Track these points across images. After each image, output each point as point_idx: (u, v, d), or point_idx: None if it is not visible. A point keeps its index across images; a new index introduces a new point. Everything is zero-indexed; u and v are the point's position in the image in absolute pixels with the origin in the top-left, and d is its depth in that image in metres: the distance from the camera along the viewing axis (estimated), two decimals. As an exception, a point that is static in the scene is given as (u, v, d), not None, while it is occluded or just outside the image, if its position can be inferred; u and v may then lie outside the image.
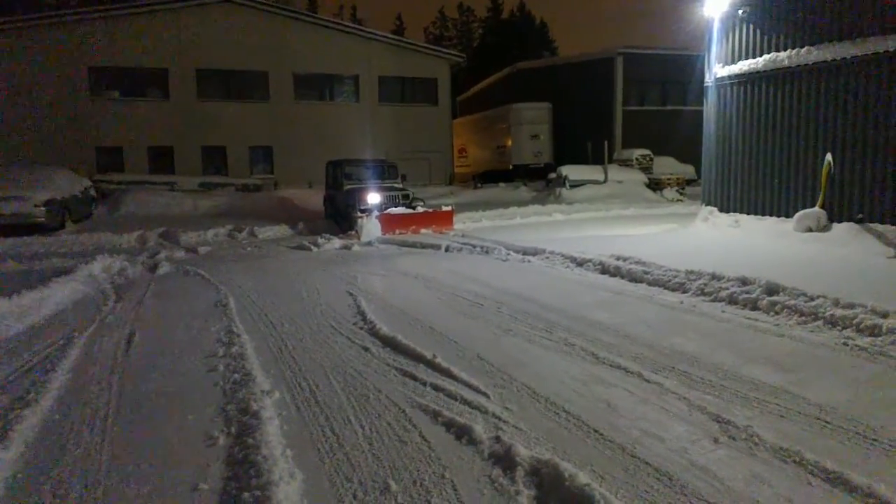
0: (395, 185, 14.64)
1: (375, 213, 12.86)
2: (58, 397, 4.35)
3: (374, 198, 13.52)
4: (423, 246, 11.38)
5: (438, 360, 4.75)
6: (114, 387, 4.56)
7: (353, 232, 12.77)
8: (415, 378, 4.48)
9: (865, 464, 3.17)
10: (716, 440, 3.49)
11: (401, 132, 24.26)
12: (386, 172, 15.07)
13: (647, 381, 4.38)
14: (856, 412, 3.76)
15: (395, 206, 13.62)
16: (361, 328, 5.84)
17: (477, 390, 4.23)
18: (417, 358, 4.87)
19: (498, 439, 3.47)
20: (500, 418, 3.79)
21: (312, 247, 11.22)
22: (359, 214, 12.65)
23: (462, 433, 3.58)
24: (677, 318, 6.04)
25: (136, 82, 22.53)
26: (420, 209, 13.90)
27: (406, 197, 14.19)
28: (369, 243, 11.93)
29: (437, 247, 11.07)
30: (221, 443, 3.59)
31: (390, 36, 26.57)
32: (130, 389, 4.49)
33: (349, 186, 14.23)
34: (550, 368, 4.68)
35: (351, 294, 7.28)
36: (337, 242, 11.54)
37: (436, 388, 4.28)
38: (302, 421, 3.87)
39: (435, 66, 25.94)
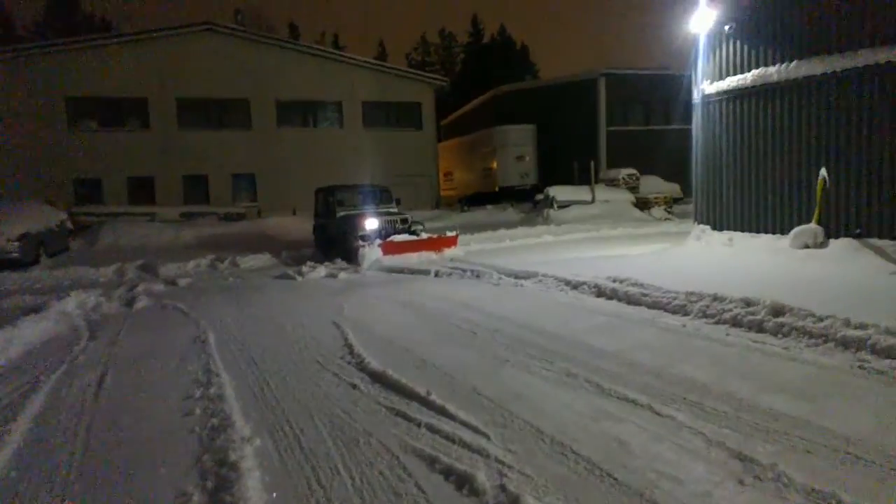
0: (392, 210, 13.96)
1: (378, 240, 12.27)
2: (15, 452, 3.96)
3: (371, 223, 12.87)
4: (413, 272, 11.07)
5: (433, 396, 4.41)
6: (79, 437, 4.17)
7: (355, 261, 12.06)
8: (408, 418, 4.14)
9: (910, 506, 2.88)
10: (741, 481, 3.18)
11: (386, 157, 24.08)
12: (380, 197, 14.40)
13: (659, 414, 4.07)
14: (886, 444, 3.48)
15: (394, 232, 12.97)
16: (349, 363, 5.49)
17: (476, 430, 3.89)
18: (410, 395, 4.53)
19: (503, 488, 3.15)
20: (503, 463, 3.46)
21: (297, 276, 10.86)
22: (361, 243, 12.06)
23: (463, 482, 3.24)
24: (681, 343, 5.76)
25: (115, 112, 22.22)
26: (424, 235, 13.30)
27: (405, 222, 13.52)
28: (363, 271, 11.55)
29: (427, 272, 10.76)
30: (196, 500, 3.22)
31: (373, 61, 26.58)
32: (97, 440, 4.11)
33: (343, 213, 13.54)
34: (553, 402, 4.36)
35: (337, 325, 6.93)
36: (322, 271, 11.19)
37: (431, 428, 3.94)
38: (286, 472, 3.51)
39: (418, 91, 25.91)
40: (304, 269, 11.19)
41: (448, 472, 3.35)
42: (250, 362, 5.75)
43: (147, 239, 16.48)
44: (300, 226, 17.84)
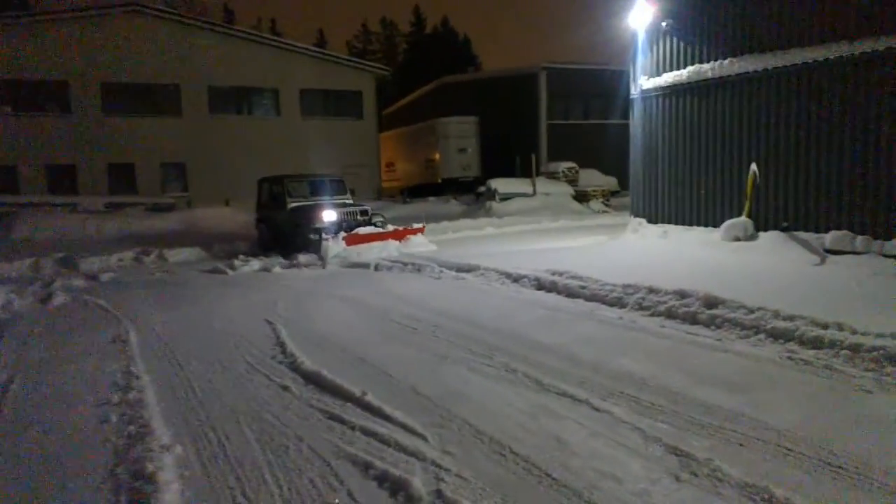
0: (348, 202, 13.12)
1: (342, 233, 11.47)
2: None
3: (329, 215, 11.99)
4: (351, 265, 10.81)
5: (369, 397, 4.24)
6: (-25, 452, 3.78)
7: (314, 256, 11.32)
8: (342, 421, 3.95)
9: (838, 499, 2.92)
10: (677, 478, 3.17)
11: (325, 147, 23.48)
12: (333, 188, 13.45)
13: (597, 409, 4.05)
14: (815, 435, 3.55)
15: (354, 224, 12.15)
16: (281, 363, 5.24)
17: (413, 432, 3.75)
18: (345, 396, 4.35)
19: (440, 494, 3.02)
20: (440, 466, 3.33)
21: (228, 270, 10.40)
22: (324, 236, 11.24)
23: (397, 489, 3.09)
24: (619, 336, 5.79)
25: (33, 96, 20.75)
26: (390, 227, 12.52)
27: (365, 213, 12.66)
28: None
29: (366, 266, 10.53)
30: (106, 519, 2.95)
31: (312, 48, 25.87)
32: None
33: (294, 204, 12.54)
34: (493, 400, 4.27)
35: (270, 323, 6.63)
36: (256, 264, 10.75)
37: (366, 432, 3.77)
38: (208, 483, 3.27)
39: (359, 79, 25.41)
40: (237, 262, 10.73)
41: (382, 479, 3.20)
42: (175, 364, 5.41)
43: (67, 231, 15.48)
44: (234, 217, 17.20)
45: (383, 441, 3.63)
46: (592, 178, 22.65)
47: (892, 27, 7.61)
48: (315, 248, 11.46)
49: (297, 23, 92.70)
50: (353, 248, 11.33)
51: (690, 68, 10.19)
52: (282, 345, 5.72)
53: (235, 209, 18.11)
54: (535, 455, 3.44)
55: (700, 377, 4.58)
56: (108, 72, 21.21)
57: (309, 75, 24.08)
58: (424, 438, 3.66)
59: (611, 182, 22.70)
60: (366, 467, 3.33)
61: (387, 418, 3.95)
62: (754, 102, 9.34)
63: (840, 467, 3.20)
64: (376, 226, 12.50)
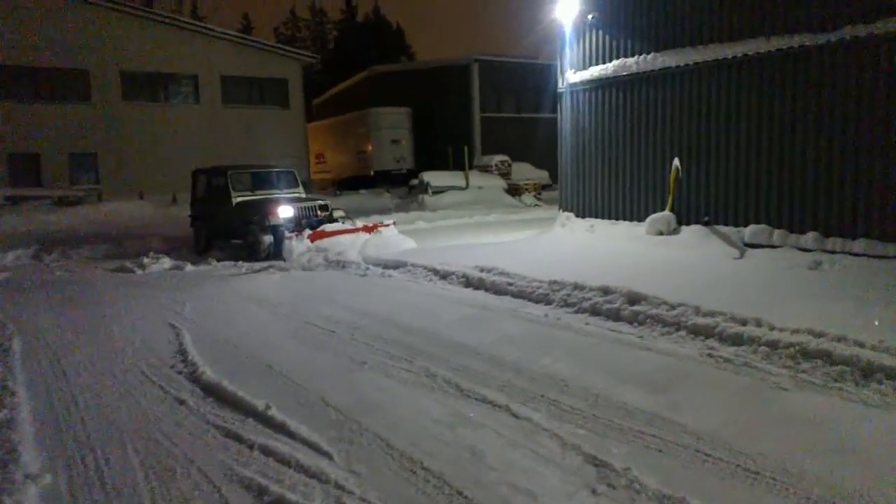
0: (303, 195, 12.00)
1: (307, 230, 10.24)
2: None
3: (286, 211, 10.58)
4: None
5: (272, 411, 3.89)
6: None
7: (262, 256, 10.26)
8: (240, 439, 3.59)
9: (756, 507, 2.83)
10: (594, 491, 3.01)
11: (249, 136, 22.55)
12: (283, 180, 12.06)
13: (517, 416, 3.86)
14: (733, 439, 3.47)
15: (312, 220, 10.89)
16: (180, 373, 4.80)
17: (318, 450, 3.44)
18: (246, 410, 3.98)
19: (339, 523, 2.73)
20: (343, 488, 3.04)
21: (136, 269, 9.67)
22: (287, 234, 10.04)
23: (293, 518, 2.78)
24: (543, 335, 5.66)
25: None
26: (359, 223, 11.19)
27: (325, 208, 11.26)
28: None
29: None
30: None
31: (233, 33, 24.71)
32: None
33: (241, 199, 11.13)
34: (409, 409, 4.01)
35: (174, 327, 6.12)
36: (167, 262, 10.05)
37: (266, 451, 3.43)
38: (75, 520, 2.86)
39: (285, 67, 24.50)
40: (146, 260, 9.98)
41: (277, 506, 2.88)
42: (60, 375, 4.87)
43: (-42, 226, 14.15)
44: (148, 212, 16.20)
45: (283, 461, 3.31)
46: (525, 172, 22.77)
47: (807, 24, 7.79)
48: (266, 249, 10.29)
49: (221, 7, 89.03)
50: (321, 244, 10.08)
51: (616, 62, 10.21)
52: (184, 352, 5.25)
53: (151, 203, 17.09)
54: (449, 470, 3.21)
55: (621, 377, 4.48)
56: (7, 54, 19.53)
57: (231, 62, 23.01)
58: (329, 457, 3.36)
59: (543, 176, 22.88)
60: (260, 493, 3.00)
61: (290, 434, 3.62)
62: (677, 97, 9.45)
63: (757, 473, 3.12)
64: (339, 222, 11.17)
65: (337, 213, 11.49)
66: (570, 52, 11.20)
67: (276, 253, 10.31)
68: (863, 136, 7.39)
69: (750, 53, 8.37)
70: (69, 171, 20.50)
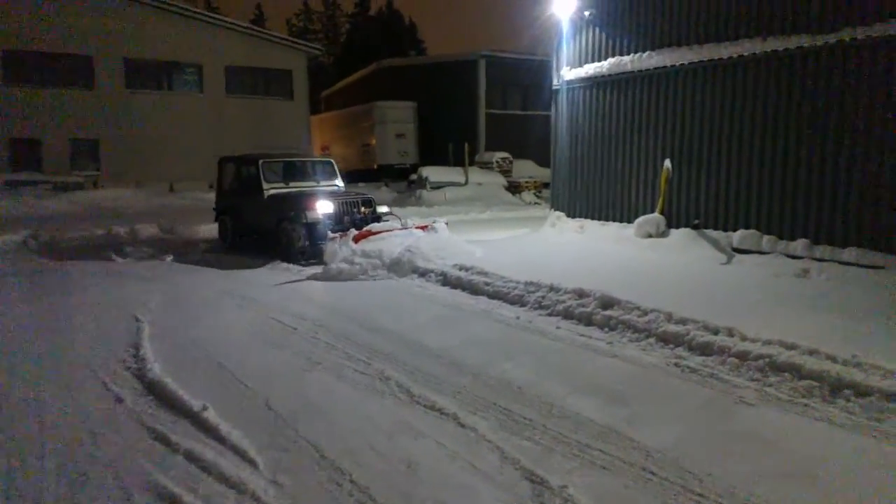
0: (343, 189, 10.83)
1: (352, 230, 8.77)
2: None
3: (324, 206, 9.31)
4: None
5: (208, 413, 3.75)
6: None
7: (299, 259, 9.17)
8: (167, 442, 3.45)
9: (689, 536, 2.65)
10: (525, 511, 2.83)
11: (252, 127, 22.45)
12: (321, 171, 10.91)
13: (463, 425, 3.69)
14: (685, 457, 3.29)
15: (356, 217, 9.55)
16: (128, 368, 4.67)
17: (244, 457, 3.29)
18: (183, 411, 3.84)
19: (244, 538, 2.58)
20: (259, 500, 2.89)
21: (117, 257, 9.56)
22: (330, 235, 8.67)
23: (197, 532, 2.64)
24: (511, 338, 5.49)
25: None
26: (410, 223, 9.37)
27: (368, 204, 9.90)
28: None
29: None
30: None
31: (239, 23, 24.57)
32: None
33: (274, 191, 9.97)
34: (353, 415, 3.85)
35: (138, 320, 6.00)
36: (147, 251, 9.90)
37: (190, 456, 3.29)
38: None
39: (290, 58, 24.37)
40: (128, 248, 9.85)
41: (185, 518, 2.73)
42: (4, 371, 4.74)
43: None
44: (143, 200, 16.13)
45: (205, 468, 3.16)
46: (526, 170, 22.50)
47: (805, 26, 7.53)
48: (308, 250, 9.17)
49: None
50: (367, 246, 8.47)
51: (611, 60, 9.98)
52: (138, 347, 5.12)
53: (147, 191, 17.02)
54: (378, 484, 3.05)
55: (581, 386, 4.30)
56: (10, 38, 19.56)
57: (236, 51, 22.92)
58: (255, 465, 3.21)
59: (545, 174, 22.56)
60: (170, 503, 2.85)
61: (220, 439, 3.48)
62: (671, 97, 9.21)
63: (701, 496, 2.94)
64: (380, 220, 9.70)
65: (381, 209, 10.08)
66: (566, 49, 10.98)
67: (312, 254, 9.16)
68: (857, 142, 7.13)
69: (745, 54, 8.12)
70: (70, 158, 20.52)
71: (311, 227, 9.16)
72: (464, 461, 3.28)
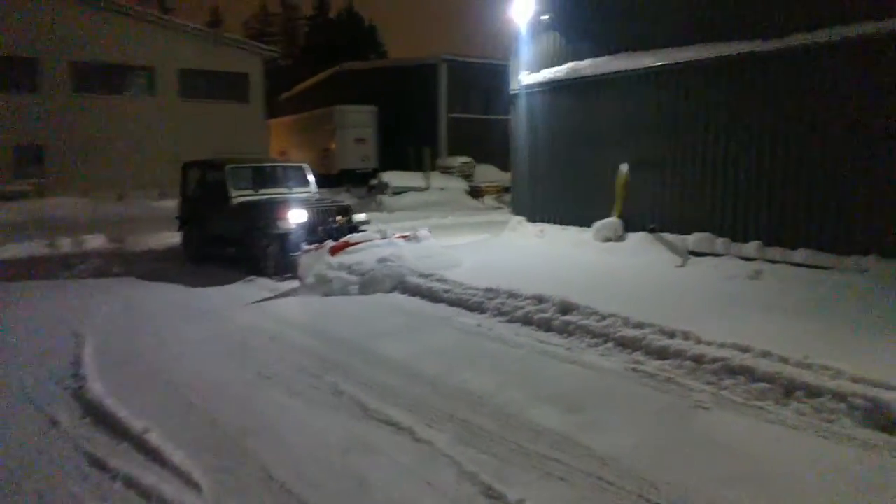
0: (317, 196, 10.18)
1: (328, 241, 8.04)
2: None
3: (298, 215, 8.67)
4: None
5: (151, 434, 3.56)
6: None
7: (272, 271, 8.53)
8: (104, 468, 3.26)
9: (646, 548, 2.61)
10: (481, 528, 2.75)
11: (207, 131, 21.86)
12: (292, 177, 10.16)
13: (419, 439, 3.59)
14: (640, 464, 3.27)
15: (331, 226, 8.83)
16: (66, 388, 4.42)
17: (188, 480, 3.13)
18: (123, 433, 3.64)
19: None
20: (202, 528, 2.74)
21: (61, 270, 9.14)
22: (305, 247, 7.91)
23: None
24: (471, 345, 5.42)
25: None
26: (394, 234, 8.62)
27: (345, 212, 9.30)
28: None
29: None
30: None
31: (192, 25, 23.96)
32: None
33: (242, 199, 9.28)
34: (304, 432, 3.71)
35: (80, 336, 5.71)
36: (96, 262, 9.49)
37: (129, 482, 3.11)
38: None
39: (246, 61, 23.87)
40: (74, 260, 9.42)
41: (119, 552, 2.56)
42: (-68, 393, 4.44)
43: None
44: (90, 210, 15.55)
45: (144, 494, 2.99)
46: (488, 174, 22.58)
47: (757, 32, 7.68)
48: (280, 263, 8.47)
49: (191, 0, 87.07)
50: (344, 259, 7.75)
51: (569, 65, 10.04)
52: (78, 363, 4.87)
53: (96, 200, 16.42)
54: (327, 504, 2.93)
55: (540, 394, 4.26)
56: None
57: (189, 54, 22.32)
58: (198, 488, 3.05)
59: (506, 178, 22.66)
60: (104, 536, 2.68)
61: (163, 462, 3.30)
62: (627, 103, 9.31)
63: (658, 504, 2.91)
64: (363, 229, 9.00)
65: (358, 217, 9.43)
66: (524, 54, 11.02)
67: (284, 267, 8.45)
68: (805, 145, 7.31)
69: (699, 59, 8.26)
70: (13, 165, 19.60)
71: (283, 237, 8.53)
72: (419, 478, 3.19)
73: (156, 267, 9.73)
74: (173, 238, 12.55)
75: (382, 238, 8.46)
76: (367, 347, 5.37)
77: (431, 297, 7.10)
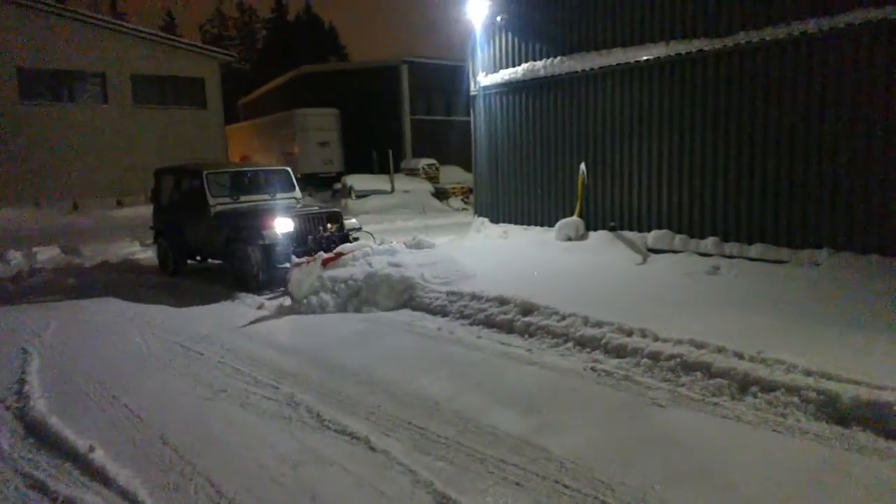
0: (302, 203, 9.63)
1: (320, 253, 7.28)
2: None
3: (284, 224, 8.02)
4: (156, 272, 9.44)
5: (95, 454, 3.42)
6: None
7: (258, 287, 7.95)
8: (45, 490, 3.13)
9: (600, 551, 2.59)
10: (434, 539, 2.70)
11: (164, 138, 21.36)
12: (276, 183, 9.52)
13: (374, 449, 3.53)
14: (597, 465, 3.26)
15: (321, 236, 8.20)
16: (9, 407, 4.23)
17: (133, 500, 3.01)
18: (67, 453, 3.50)
19: None
20: (145, 551, 2.62)
21: (9, 284, 8.80)
22: (295, 260, 7.00)
23: None
24: (431, 350, 5.37)
25: None
26: (396, 243, 7.88)
27: (335, 219, 8.66)
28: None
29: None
30: None
31: (145, 29, 23.34)
32: None
33: (222, 208, 8.71)
34: (256, 446, 3.61)
35: (26, 352, 5.48)
36: (47, 276, 9.17)
37: (69, 505, 2.97)
38: None
39: (202, 65, 23.37)
40: (24, 273, 9.09)
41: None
42: None
43: None
44: (44, 220, 15.05)
45: (85, 518, 2.86)
46: (453, 175, 22.56)
47: (704, 30, 7.82)
48: (265, 277, 7.95)
49: (143, 3, 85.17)
50: (337, 273, 7.07)
51: (525, 65, 10.08)
52: (23, 381, 4.67)
53: (49, 211, 15.88)
54: (278, 520, 2.84)
55: (499, 397, 4.23)
56: None
57: (142, 59, 21.73)
58: (142, 509, 2.93)
59: (471, 179, 22.72)
60: (39, 565, 2.55)
61: (106, 482, 3.17)
62: (583, 102, 9.38)
63: (612, 506, 2.90)
64: (349, 238, 8.40)
65: (350, 223, 8.88)
66: (481, 55, 11.03)
67: (268, 281, 8.00)
68: (756, 141, 7.47)
69: (651, 58, 8.37)
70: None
71: (269, 249, 7.90)
72: (373, 489, 3.12)
73: (112, 278, 9.44)
74: (131, 248, 12.24)
75: (379, 245, 7.79)
76: (325, 356, 5.29)
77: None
